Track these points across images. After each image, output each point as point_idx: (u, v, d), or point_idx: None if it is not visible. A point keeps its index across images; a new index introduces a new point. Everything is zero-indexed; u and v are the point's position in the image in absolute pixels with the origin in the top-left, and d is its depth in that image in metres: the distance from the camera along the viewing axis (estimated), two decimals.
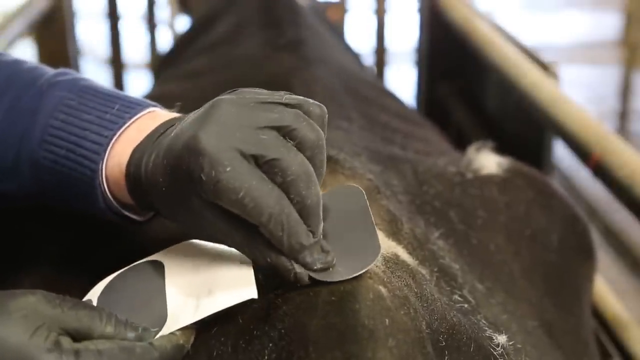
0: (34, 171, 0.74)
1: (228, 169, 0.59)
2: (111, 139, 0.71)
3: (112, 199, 0.72)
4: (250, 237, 0.62)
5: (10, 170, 0.75)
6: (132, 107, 0.73)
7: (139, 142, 0.70)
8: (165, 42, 2.89)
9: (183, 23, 2.85)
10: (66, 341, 0.59)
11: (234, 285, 0.64)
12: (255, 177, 0.60)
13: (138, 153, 0.69)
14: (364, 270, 0.61)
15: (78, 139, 0.72)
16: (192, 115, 0.66)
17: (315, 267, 0.61)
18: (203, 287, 0.65)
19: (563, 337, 0.90)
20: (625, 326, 1.33)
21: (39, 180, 0.74)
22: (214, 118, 0.61)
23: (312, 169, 0.62)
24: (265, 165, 0.60)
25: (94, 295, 0.67)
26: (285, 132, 0.61)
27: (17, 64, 0.80)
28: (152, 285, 0.66)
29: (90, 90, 0.75)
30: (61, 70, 0.79)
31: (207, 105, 0.64)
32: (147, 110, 0.73)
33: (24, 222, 0.87)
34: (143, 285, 0.67)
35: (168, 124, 0.70)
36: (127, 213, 0.74)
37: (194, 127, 0.62)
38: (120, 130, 0.71)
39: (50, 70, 0.79)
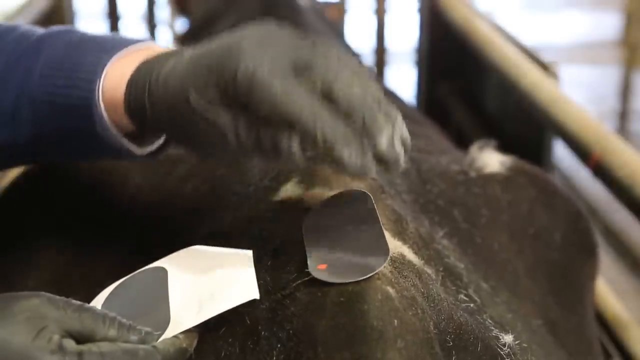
0: (32, 110, 0.73)
1: (265, 67, 0.59)
2: (108, 60, 0.71)
3: (108, 122, 0.71)
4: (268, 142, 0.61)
5: (8, 116, 0.74)
6: (132, 40, 0.73)
7: (139, 63, 0.69)
8: (165, 42, 2.89)
9: (183, 23, 2.85)
10: (69, 343, 0.59)
11: (235, 286, 0.64)
12: (291, 77, 0.59)
13: (142, 71, 0.69)
14: (373, 273, 0.61)
15: (76, 66, 0.71)
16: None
17: (353, 162, 0.58)
18: (205, 290, 0.65)
19: (567, 336, 0.90)
20: (625, 326, 1.33)
21: (37, 121, 0.73)
22: (254, 30, 0.62)
23: (354, 68, 0.61)
24: (305, 73, 0.60)
25: (97, 302, 0.67)
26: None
27: (11, 26, 0.80)
28: (155, 290, 0.67)
29: (94, 33, 0.76)
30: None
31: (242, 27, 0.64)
32: (148, 43, 0.74)
33: (30, 224, 0.87)
34: (146, 291, 0.67)
35: (174, 51, 0.69)
36: (125, 141, 0.72)
37: (233, 35, 0.62)
38: (119, 54, 0.71)
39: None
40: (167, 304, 0.65)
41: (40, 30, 0.78)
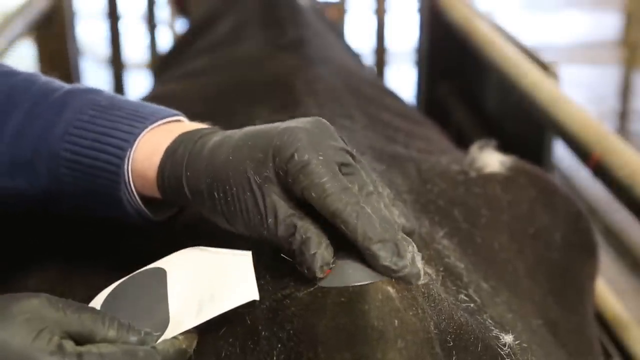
0: (52, 165, 0.74)
1: (320, 157, 0.63)
2: (142, 130, 0.72)
3: (134, 190, 0.72)
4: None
5: (26, 165, 0.75)
6: (163, 110, 0.75)
7: (172, 137, 0.71)
8: (165, 42, 2.89)
9: (183, 23, 2.85)
10: (69, 344, 0.59)
11: (235, 287, 0.64)
12: (339, 175, 0.63)
13: (182, 142, 0.71)
14: (376, 280, 0.61)
15: (106, 130, 0.73)
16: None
17: (385, 262, 0.61)
18: (205, 291, 0.65)
19: (567, 336, 0.90)
20: (625, 326, 1.33)
21: (56, 175, 0.74)
22: (307, 126, 0.66)
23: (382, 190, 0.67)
24: (347, 175, 0.64)
25: (96, 304, 0.67)
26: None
27: (33, 75, 0.81)
28: (154, 291, 0.66)
29: (119, 97, 0.77)
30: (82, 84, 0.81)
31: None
32: (177, 116, 0.76)
33: (30, 225, 0.87)
34: (145, 292, 0.67)
35: (213, 128, 0.73)
36: (145, 210, 0.74)
37: (289, 123, 0.66)
38: (152, 126, 0.73)
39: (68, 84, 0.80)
40: (167, 305, 0.65)
41: (65, 85, 0.79)
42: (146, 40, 2.83)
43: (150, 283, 0.67)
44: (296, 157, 0.63)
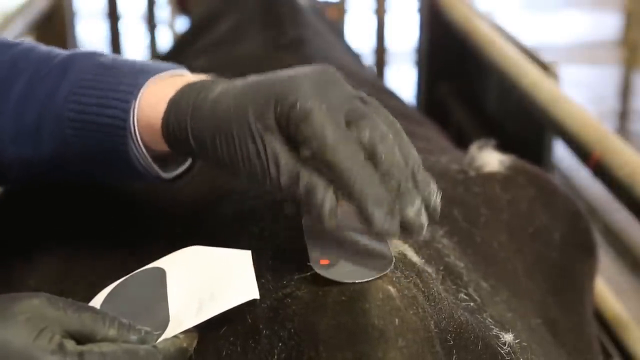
0: (57, 128, 0.74)
1: (324, 106, 0.61)
2: (145, 81, 0.72)
3: (141, 142, 0.72)
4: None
5: (31, 132, 0.75)
6: (167, 65, 0.75)
7: (176, 88, 0.71)
8: (165, 42, 2.89)
9: (183, 23, 2.86)
10: (70, 344, 0.59)
11: (235, 286, 0.64)
12: (342, 125, 0.61)
13: (185, 92, 0.70)
14: (375, 278, 0.61)
15: (110, 85, 0.72)
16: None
17: (380, 223, 0.60)
18: (205, 290, 0.65)
19: (566, 335, 0.90)
20: (625, 326, 1.33)
21: (61, 137, 0.74)
22: (315, 72, 0.64)
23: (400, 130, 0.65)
24: (354, 126, 0.62)
25: (96, 302, 0.68)
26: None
27: (34, 45, 0.81)
28: (154, 290, 0.67)
29: (122, 57, 0.77)
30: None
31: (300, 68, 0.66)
32: (181, 70, 0.75)
33: (30, 224, 0.87)
34: (145, 291, 0.67)
35: (218, 79, 0.71)
36: (153, 164, 0.73)
37: (294, 71, 0.65)
38: (155, 77, 0.72)
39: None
40: (167, 304, 0.65)
41: (64, 52, 0.79)
42: (146, 40, 2.83)
43: (150, 282, 0.67)
44: (298, 105, 0.61)
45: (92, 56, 0.76)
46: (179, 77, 0.74)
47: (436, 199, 0.64)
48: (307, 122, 0.61)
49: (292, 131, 0.62)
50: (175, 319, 0.64)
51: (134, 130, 0.71)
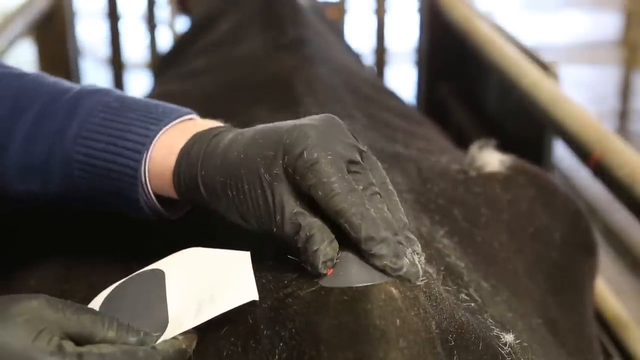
0: (66, 168, 0.75)
1: (329, 157, 0.64)
2: (157, 132, 0.73)
3: (151, 192, 0.73)
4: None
5: (38, 168, 0.76)
6: (175, 110, 0.76)
7: (186, 137, 0.72)
8: (165, 42, 2.89)
9: (183, 23, 2.85)
10: (69, 345, 0.59)
11: (234, 288, 0.64)
12: (346, 175, 0.64)
13: (196, 142, 0.71)
14: (378, 282, 0.61)
15: (121, 132, 0.73)
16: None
17: (385, 261, 0.62)
18: (204, 291, 0.65)
19: (567, 334, 0.90)
20: (625, 326, 1.33)
21: (69, 178, 0.75)
22: (317, 124, 0.67)
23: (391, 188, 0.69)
24: (354, 173, 0.66)
25: (95, 304, 0.68)
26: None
27: (41, 75, 0.81)
28: (152, 292, 0.67)
29: (129, 97, 0.78)
30: (91, 84, 0.81)
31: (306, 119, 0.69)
32: (190, 115, 0.77)
33: (30, 224, 0.87)
34: (144, 293, 0.67)
35: (226, 126, 0.74)
36: (162, 209, 0.75)
37: (300, 121, 0.67)
38: (167, 127, 0.74)
39: (76, 84, 0.81)
40: (166, 306, 0.65)
41: (73, 86, 0.79)
42: (146, 40, 2.83)
43: (149, 284, 0.67)
44: (305, 155, 0.64)
45: (99, 95, 0.77)
46: (189, 123, 0.75)
47: (421, 259, 0.66)
48: (314, 171, 0.63)
49: (299, 180, 0.64)
50: (174, 321, 0.64)
51: (145, 181, 0.73)
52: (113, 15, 2.64)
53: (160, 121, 0.74)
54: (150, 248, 0.74)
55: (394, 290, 0.61)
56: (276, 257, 0.67)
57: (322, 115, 0.69)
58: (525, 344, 0.70)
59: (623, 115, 3.58)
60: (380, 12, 2.68)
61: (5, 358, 0.57)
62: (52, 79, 0.81)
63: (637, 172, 1.13)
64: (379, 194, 0.66)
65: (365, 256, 0.62)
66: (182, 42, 1.86)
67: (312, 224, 0.63)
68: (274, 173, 0.65)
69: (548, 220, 0.96)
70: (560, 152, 2.01)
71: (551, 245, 0.95)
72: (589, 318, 0.99)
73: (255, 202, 0.66)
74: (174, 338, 0.63)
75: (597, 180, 1.25)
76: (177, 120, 0.75)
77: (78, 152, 0.74)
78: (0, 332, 0.57)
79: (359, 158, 0.67)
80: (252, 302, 0.62)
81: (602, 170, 1.21)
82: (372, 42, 2.73)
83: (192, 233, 0.77)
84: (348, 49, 1.81)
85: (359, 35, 2.88)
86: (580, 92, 3.70)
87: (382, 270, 0.62)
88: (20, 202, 0.79)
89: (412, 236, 0.66)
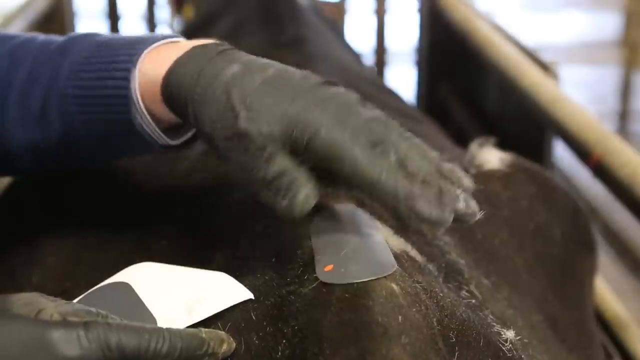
0: (62, 107, 0.74)
1: (345, 135, 0.62)
2: (144, 49, 0.71)
3: (144, 109, 0.71)
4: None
5: (37, 116, 0.76)
6: (163, 34, 0.74)
7: (178, 51, 0.70)
8: None
9: (183, 23, 2.85)
10: (72, 318, 0.58)
11: (224, 289, 0.64)
12: (367, 147, 0.62)
13: (191, 58, 0.68)
14: (379, 277, 0.61)
15: (109, 57, 0.72)
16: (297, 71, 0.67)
17: (434, 215, 0.61)
18: (186, 294, 0.64)
19: (567, 331, 0.90)
20: (625, 326, 1.33)
21: (66, 116, 0.75)
22: (335, 99, 0.64)
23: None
24: (378, 147, 0.63)
25: None
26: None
27: (34, 34, 0.82)
28: (126, 300, 0.65)
29: (119, 35, 0.77)
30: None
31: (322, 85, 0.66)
32: (177, 37, 0.75)
33: (32, 221, 0.87)
34: (116, 302, 0.65)
35: (223, 46, 0.70)
36: (159, 130, 0.73)
37: (315, 93, 0.64)
38: (154, 45, 0.72)
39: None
40: (147, 309, 0.64)
41: (62, 37, 0.80)
42: None
43: (117, 295, 0.66)
44: (319, 138, 0.62)
45: (89, 36, 0.77)
46: (179, 42, 0.73)
47: (470, 184, 0.65)
48: (333, 153, 0.61)
49: (316, 156, 0.62)
50: (163, 321, 0.63)
51: (136, 97, 0.71)
52: (113, 15, 2.64)
53: (147, 41, 0.72)
54: (154, 245, 0.74)
55: (396, 287, 0.61)
56: (279, 254, 0.67)
57: (335, 91, 0.65)
58: (526, 341, 0.70)
59: (623, 115, 3.59)
60: (380, 12, 2.69)
61: (9, 334, 0.56)
62: (43, 35, 0.82)
63: (638, 173, 1.13)
64: (411, 148, 0.63)
65: (402, 219, 0.61)
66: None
67: (299, 172, 0.62)
68: (274, 145, 0.63)
69: (548, 218, 0.96)
70: (560, 152, 2.00)
71: (551, 242, 0.96)
72: (589, 314, 0.99)
73: (247, 160, 0.64)
74: (191, 326, 0.61)
75: (597, 180, 1.25)
76: (164, 41, 0.73)
77: (72, 86, 0.74)
78: (1, 315, 0.57)
79: (377, 128, 0.63)
80: (256, 299, 0.62)
81: (602, 170, 1.21)
82: (372, 42, 2.73)
83: (196, 231, 0.77)
84: (348, 48, 1.81)
85: (359, 35, 2.88)
86: (580, 92, 3.70)
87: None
88: (24, 157, 0.79)
89: (454, 169, 0.64)
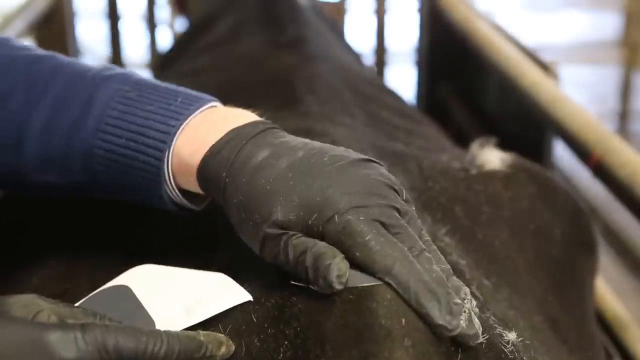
0: (86, 161, 0.74)
1: (362, 218, 0.61)
2: (178, 127, 0.71)
3: (175, 187, 0.72)
4: None
5: (57, 160, 0.75)
6: (196, 99, 0.73)
7: (213, 131, 0.69)
8: (165, 42, 2.89)
9: (183, 23, 2.85)
10: (70, 320, 0.59)
11: (223, 290, 0.64)
12: (381, 230, 0.61)
13: (225, 144, 0.68)
14: (379, 282, 0.61)
15: (140, 128, 0.71)
16: (326, 149, 0.66)
17: (439, 321, 0.58)
18: (185, 297, 0.64)
19: (568, 331, 0.90)
20: (625, 326, 1.33)
21: (90, 171, 0.74)
22: (352, 186, 0.63)
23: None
24: (394, 235, 0.62)
25: None
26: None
27: (56, 57, 0.80)
28: (126, 303, 0.65)
29: (147, 83, 0.75)
30: (107, 65, 0.79)
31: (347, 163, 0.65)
32: (210, 103, 0.74)
33: (33, 223, 0.87)
34: (116, 305, 0.66)
35: (258, 125, 0.70)
36: (186, 202, 0.73)
37: (332, 174, 0.63)
38: (188, 120, 0.71)
39: (94, 65, 0.78)
40: (146, 311, 0.64)
41: (89, 69, 0.77)
42: (146, 40, 2.83)
43: (117, 298, 0.66)
44: (336, 219, 0.61)
45: (116, 83, 0.75)
46: (214, 113, 0.72)
47: (474, 308, 0.62)
48: (347, 233, 0.60)
49: (331, 242, 0.61)
50: (162, 323, 0.63)
51: (169, 177, 0.71)
52: (113, 15, 2.64)
53: (180, 114, 0.71)
54: (154, 247, 0.74)
55: None
56: None
57: (362, 174, 0.64)
58: (527, 342, 0.70)
59: (623, 115, 3.59)
60: (380, 12, 2.68)
61: (6, 336, 0.56)
62: (67, 60, 0.79)
63: (638, 173, 1.13)
64: (425, 251, 0.62)
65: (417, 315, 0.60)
66: (182, 42, 1.86)
67: (320, 244, 0.61)
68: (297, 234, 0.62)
69: (549, 218, 0.96)
70: (560, 152, 2.01)
71: (552, 242, 0.96)
72: (590, 315, 0.99)
73: (273, 248, 0.63)
74: (188, 328, 0.62)
75: (597, 180, 1.25)
76: (198, 111, 0.72)
77: (98, 146, 0.73)
78: None
79: (397, 216, 0.63)
80: (257, 300, 0.62)
81: (602, 170, 1.21)
82: (372, 42, 2.73)
83: (197, 232, 0.77)
84: (348, 48, 1.81)
85: (359, 35, 2.88)
86: (580, 92, 3.70)
87: (437, 332, 0.59)
88: (39, 191, 0.79)
89: (460, 283, 0.63)
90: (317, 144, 0.68)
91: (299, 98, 1.07)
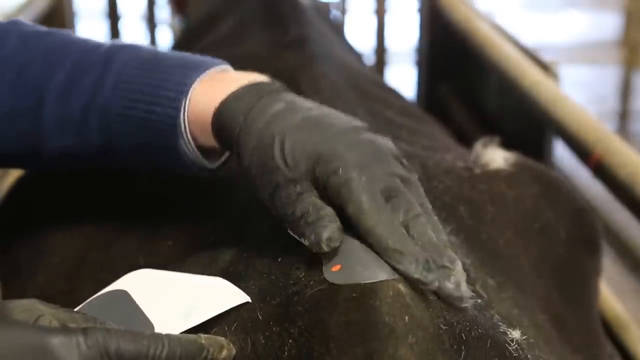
0: (103, 120, 0.75)
1: (363, 179, 0.64)
2: (195, 79, 0.73)
3: (191, 139, 0.74)
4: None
5: (75, 121, 0.76)
6: (212, 60, 0.76)
7: (227, 85, 0.72)
8: (165, 42, 2.89)
9: (180, 23, 2.86)
10: (71, 325, 0.59)
11: (221, 292, 0.64)
12: (377, 195, 0.64)
13: (241, 98, 0.71)
14: (386, 278, 0.61)
15: (158, 82, 0.74)
16: (339, 116, 0.70)
17: (415, 275, 0.61)
18: (183, 299, 0.64)
19: (573, 330, 0.90)
20: (626, 326, 1.33)
21: (107, 130, 0.76)
22: (358, 147, 0.66)
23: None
24: (392, 198, 0.64)
25: None
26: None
27: (67, 32, 0.82)
28: (124, 307, 0.66)
29: (160, 50, 0.78)
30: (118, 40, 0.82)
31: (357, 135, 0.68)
32: (224, 65, 0.77)
33: (39, 219, 0.87)
34: (114, 310, 0.66)
35: (272, 87, 0.72)
36: (201, 157, 0.75)
37: (344, 135, 0.67)
38: (204, 74, 0.74)
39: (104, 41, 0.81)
40: (145, 315, 0.64)
41: (103, 43, 0.80)
42: (146, 40, 2.84)
43: (116, 302, 0.66)
44: (340, 172, 0.64)
45: (134, 48, 0.78)
46: (227, 73, 0.75)
47: (463, 275, 0.65)
48: (346, 189, 0.63)
49: (331, 193, 0.64)
50: (161, 326, 0.63)
51: (185, 126, 0.73)
52: (113, 15, 2.64)
53: (198, 67, 0.74)
54: (159, 245, 0.75)
55: (402, 287, 0.61)
56: (285, 254, 0.67)
57: (369, 137, 0.68)
58: (532, 341, 0.70)
59: (623, 115, 3.59)
60: (380, 12, 2.69)
61: (9, 340, 0.56)
62: (80, 36, 0.82)
63: (638, 172, 1.13)
64: (422, 215, 0.65)
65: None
66: (183, 42, 1.86)
67: (326, 208, 0.64)
68: (302, 177, 0.65)
69: (553, 217, 0.96)
70: (560, 152, 2.01)
71: (556, 241, 0.96)
72: (594, 313, 0.99)
73: (277, 187, 0.66)
74: (188, 331, 0.62)
75: (597, 180, 1.25)
76: (213, 69, 0.75)
77: (116, 103, 0.74)
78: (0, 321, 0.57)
79: (398, 182, 0.66)
80: (262, 298, 0.62)
81: (602, 170, 1.21)
82: (372, 42, 2.73)
83: (201, 231, 0.77)
84: (350, 48, 1.81)
85: (359, 35, 2.88)
86: (580, 92, 3.70)
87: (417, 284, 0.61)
88: (55, 160, 0.80)
89: (454, 256, 0.65)
90: (328, 108, 0.72)
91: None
